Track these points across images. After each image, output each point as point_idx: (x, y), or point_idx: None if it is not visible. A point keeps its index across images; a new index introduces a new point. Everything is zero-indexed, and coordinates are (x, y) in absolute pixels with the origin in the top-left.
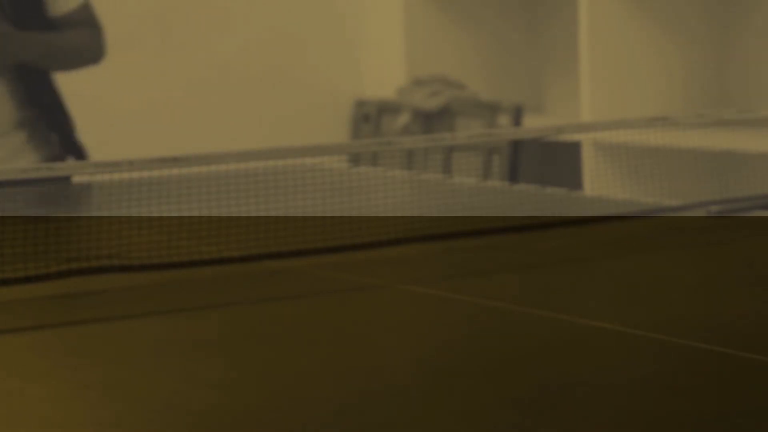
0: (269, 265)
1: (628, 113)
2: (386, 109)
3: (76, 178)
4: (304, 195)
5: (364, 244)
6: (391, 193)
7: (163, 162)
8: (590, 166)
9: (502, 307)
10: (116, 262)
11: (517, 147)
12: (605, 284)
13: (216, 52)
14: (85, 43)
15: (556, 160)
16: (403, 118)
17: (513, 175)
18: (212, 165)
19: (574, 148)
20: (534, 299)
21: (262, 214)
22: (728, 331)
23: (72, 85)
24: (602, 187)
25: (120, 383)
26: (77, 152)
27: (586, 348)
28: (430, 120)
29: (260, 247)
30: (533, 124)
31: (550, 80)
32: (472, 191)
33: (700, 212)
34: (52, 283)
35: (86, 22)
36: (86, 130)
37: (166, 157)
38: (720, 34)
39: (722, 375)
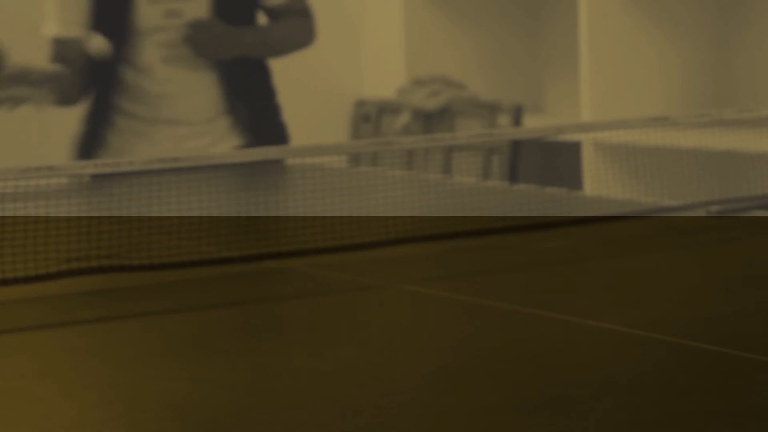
0: (269, 265)
1: (628, 113)
2: (386, 109)
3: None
4: (304, 195)
5: (364, 244)
6: (391, 193)
7: (163, 162)
8: (590, 166)
9: (502, 307)
10: (116, 262)
11: (517, 147)
12: (605, 284)
13: None
14: (296, 31)
15: (556, 160)
16: (403, 118)
17: (513, 175)
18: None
19: (574, 148)
20: (534, 299)
21: (263, 214)
22: (728, 330)
23: None
24: (602, 187)
25: (120, 383)
26: (282, 134)
27: (586, 348)
28: (430, 120)
29: (260, 247)
30: (533, 124)
31: (550, 80)
32: (472, 191)
33: (700, 212)
34: (52, 283)
35: (299, 11)
36: None
37: (166, 157)
38: (720, 34)
39: (722, 375)
